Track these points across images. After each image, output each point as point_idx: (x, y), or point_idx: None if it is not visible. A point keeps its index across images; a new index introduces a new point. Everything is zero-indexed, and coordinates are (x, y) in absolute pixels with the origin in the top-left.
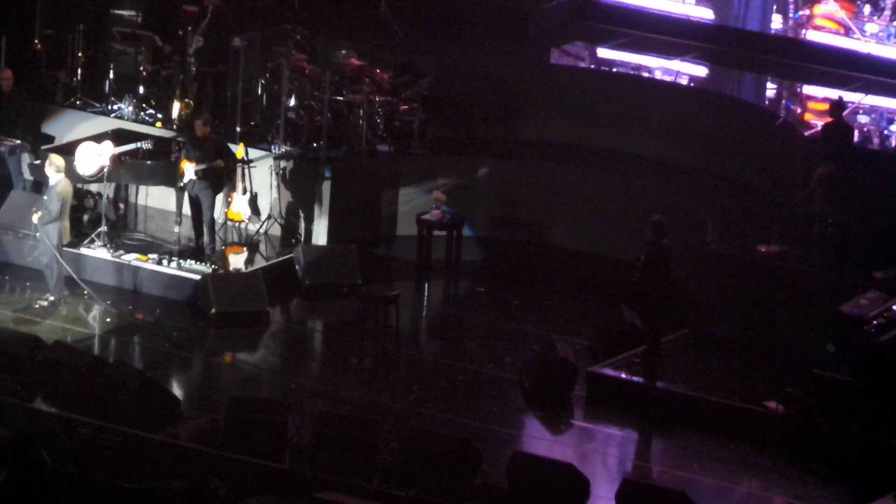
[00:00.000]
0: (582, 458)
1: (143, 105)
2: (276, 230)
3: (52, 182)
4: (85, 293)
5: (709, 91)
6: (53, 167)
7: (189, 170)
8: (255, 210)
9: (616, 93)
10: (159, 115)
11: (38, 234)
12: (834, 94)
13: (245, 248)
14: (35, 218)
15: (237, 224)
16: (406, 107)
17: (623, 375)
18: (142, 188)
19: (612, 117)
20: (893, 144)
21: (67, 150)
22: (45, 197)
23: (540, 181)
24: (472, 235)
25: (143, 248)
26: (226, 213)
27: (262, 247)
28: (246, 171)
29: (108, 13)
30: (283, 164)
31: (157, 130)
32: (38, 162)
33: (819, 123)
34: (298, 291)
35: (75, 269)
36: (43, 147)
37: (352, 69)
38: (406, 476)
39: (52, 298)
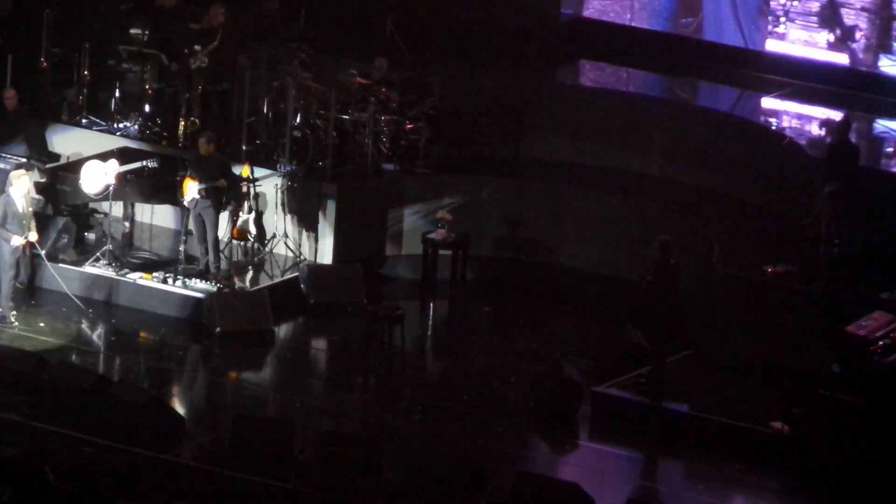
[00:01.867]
0: (587, 479)
1: (149, 123)
2: (281, 249)
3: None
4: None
5: (714, 110)
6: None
7: (192, 188)
8: (260, 229)
9: (621, 112)
10: (165, 134)
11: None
12: None
13: (250, 267)
14: (34, 237)
15: (242, 243)
16: (412, 126)
17: (628, 396)
18: (147, 206)
19: (617, 137)
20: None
21: (73, 169)
22: (27, 211)
23: (545, 200)
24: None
25: (148, 267)
26: (231, 232)
27: (267, 265)
28: (251, 190)
29: (114, 32)
30: (288, 182)
31: (163, 149)
32: (43, 180)
33: None
34: (303, 310)
35: (81, 288)
36: (49, 165)
37: (357, 88)
38: (411, 496)
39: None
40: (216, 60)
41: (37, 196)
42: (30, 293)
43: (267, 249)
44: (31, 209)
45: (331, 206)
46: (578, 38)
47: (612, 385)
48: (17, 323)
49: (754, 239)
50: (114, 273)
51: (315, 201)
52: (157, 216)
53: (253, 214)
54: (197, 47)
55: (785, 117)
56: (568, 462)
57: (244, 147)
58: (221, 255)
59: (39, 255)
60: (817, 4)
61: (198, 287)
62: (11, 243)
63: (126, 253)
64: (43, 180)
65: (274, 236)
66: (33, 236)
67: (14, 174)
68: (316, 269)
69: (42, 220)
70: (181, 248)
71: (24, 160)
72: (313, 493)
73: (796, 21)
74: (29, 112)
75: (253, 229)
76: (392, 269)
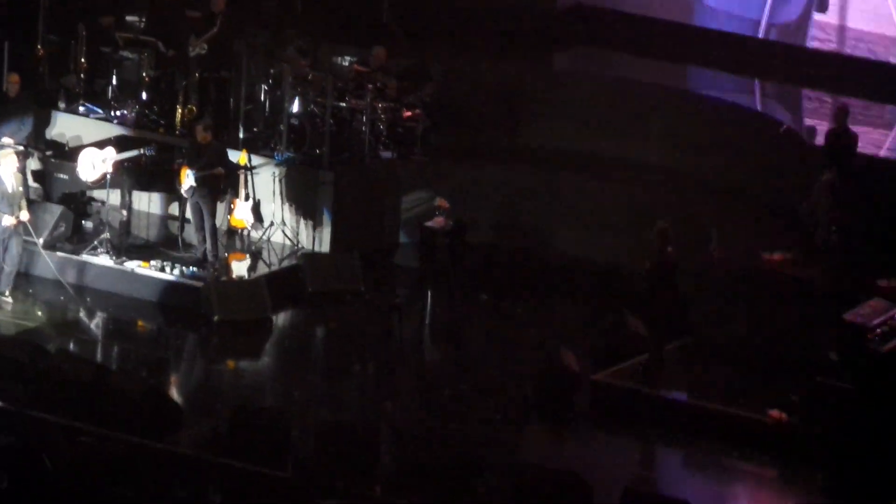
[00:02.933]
0: (584, 467)
1: (146, 111)
2: (278, 237)
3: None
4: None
5: (712, 98)
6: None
7: (189, 176)
8: (258, 217)
9: (620, 99)
10: (162, 122)
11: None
12: None
13: (248, 256)
14: (25, 216)
15: (240, 231)
16: (409, 113)
17: (626, 384)
18: (144, 194)
19: (615, 124)
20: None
21: (70, 157)
22: (17, 190)
23: (543, 188)
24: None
25: (146, 255)
26: (229, 220)
27: (264, 254)
28: (249, 178)
29: (111, 19)
30: (285, 170)
31: (160, 137)
32: (41, 168)
33: None
34: (301, 299)
35: (78, 277)
36: (48, 153)
37: (355, 75)
38: (409, 485)
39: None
40: (215, 48)
41: (34, 184)
42: (26, 282)
43: (264, 237)
44: (20, 188)
45: (328, 193)
46: (576, 25)
47: (610, 373)
48: (10, 300)
49: (752, 226)
50: (111, 261)
51: (312, 189)
52: (155, 204)
53: (250, 203)
54: (193, 38)
55: None
56: (566, 450)
57: (241, 135)
58: (219, 244)
59: (35, 244)
60: None
61: (196, 275)
62: (2, 223)
63: (123, 241)
64: (40, 168)
65: (272, 224)
66: (24, 215)
67: (1, 153)
68: (314, 258)
69: (38, 208)
70: (179, 236)
71: (21, 147)
72: (310, 481)
73: None
74: (29, 98)
75: (251, 217)
76: (390, 257)
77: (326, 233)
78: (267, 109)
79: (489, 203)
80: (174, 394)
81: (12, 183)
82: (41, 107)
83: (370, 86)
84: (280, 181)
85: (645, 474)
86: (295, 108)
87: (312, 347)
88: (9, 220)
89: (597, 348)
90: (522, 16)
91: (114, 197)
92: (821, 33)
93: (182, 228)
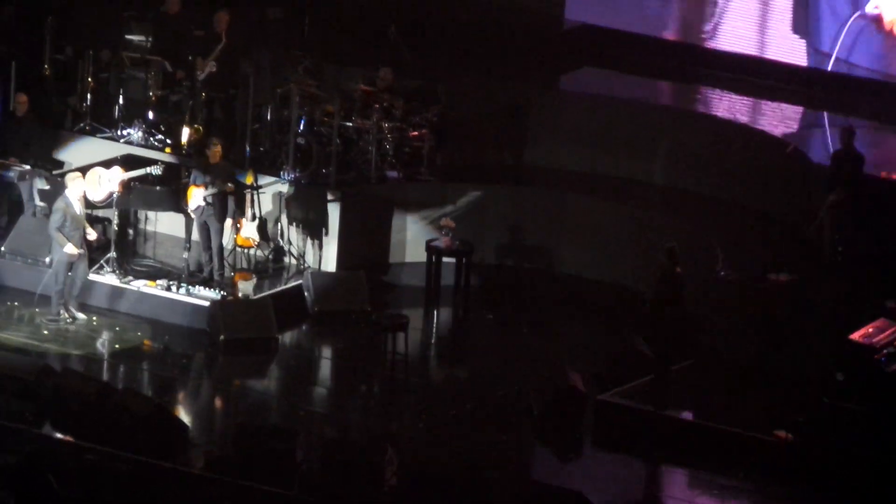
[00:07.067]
0: (591, 487)
1: (153, 130)
2: (285, 256)
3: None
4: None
5: (718, 118)
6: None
7: (197, 196)
8: (264, 236)
9: (625, 120)
10: (168, 141)
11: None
12: None
13: (254, 275)
14: (92, 235)
15: (246, 250)
16: (416, 133)
17: (632, 404)
18: (151, 214)
19: (621, 144)
20: None
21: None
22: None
23: (549, 208)
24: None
25: (152, 275)
26: (235, 240)
27: (271, 273)
28: (255, 197)
29: (118, 38)
30: (292, 190)
31: (167, 156)
32: (48, 188)
33: None
34: (307, 318)
35: (85, 296)
36: (54, 172)
37: (361, 95)
38: (413, 503)
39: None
40: (222, 66)
41: (41, 203)
42: (35, 301)
43: (271, 257)
44: (84, 211)
45: (334, 213)
46: (582, 45)
47: (616, 393)
48: (70, 319)
49: (758, 247)
50: (118, 280)
51: (319, 209)
52: (161, 224)
53: (257, 222)
54: (201, 59)
55: None
56: (572, 470)
57: (248, 154)
58: (225, 263)
59: (44, 263)
60: None
61: (202, 295)
62: (65, 250)
63: (130, 260)
64: (47, 188)
65: (278, 243)
66: (92, 234)
67: (69, 176)
68: (320, 277)
69: (44, 227)
70: (185, 255)
71: (27, 167)
72: (317, 500)
73: None
74: (35, 118)
75: (257, 236)
76: (396, 276)
77: (332, 252)
78: (273, 129)
79: (495, 223)
80: (180, 412)
81: (80, 207)
82: (48, 126)
83: (377, 105)
84: (286, 201)
85: (651, 494)
86: (301, 127)
87: (318, 366)
88: (71, 249)
89: (603, 368)
90: (529, 36)
91: (121, 217)
92: None
93: (188, 248)
